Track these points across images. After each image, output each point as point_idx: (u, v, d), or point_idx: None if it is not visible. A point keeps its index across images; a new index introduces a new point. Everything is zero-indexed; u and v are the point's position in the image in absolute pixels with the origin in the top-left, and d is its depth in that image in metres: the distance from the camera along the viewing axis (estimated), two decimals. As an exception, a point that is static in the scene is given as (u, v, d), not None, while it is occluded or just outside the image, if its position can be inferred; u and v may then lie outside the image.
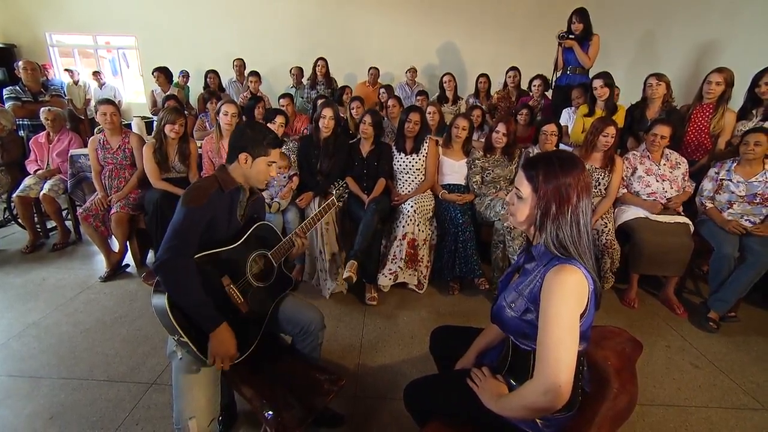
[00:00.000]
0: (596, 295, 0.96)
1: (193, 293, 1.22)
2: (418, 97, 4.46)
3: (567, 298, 0.89)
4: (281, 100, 3.90)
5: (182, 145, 2.88)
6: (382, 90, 4.67)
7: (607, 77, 3.12)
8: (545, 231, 0.96)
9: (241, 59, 5.40)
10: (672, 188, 2.66)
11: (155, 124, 2.93)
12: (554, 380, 0.86)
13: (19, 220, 3.60)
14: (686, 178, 2.69)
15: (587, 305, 0.93)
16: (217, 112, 2.89)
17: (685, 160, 2.72)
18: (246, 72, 5.11)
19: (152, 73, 5.05)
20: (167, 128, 2.76)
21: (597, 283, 0.96)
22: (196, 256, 1.26)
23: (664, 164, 2.68)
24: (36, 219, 3.44)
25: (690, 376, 2.05)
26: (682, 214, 2.70)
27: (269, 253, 1.50)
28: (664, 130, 2.59)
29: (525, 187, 1.00)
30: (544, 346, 0.89)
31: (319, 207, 1.70)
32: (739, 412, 1.82)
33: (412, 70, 5.44)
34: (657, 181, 2.67)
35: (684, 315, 2.58)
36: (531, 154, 2.92)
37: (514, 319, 1.01)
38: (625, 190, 2.75)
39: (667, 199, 2.68)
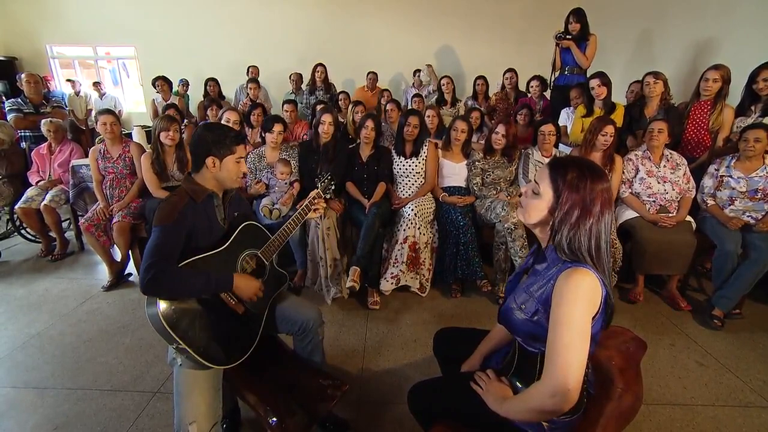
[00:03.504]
0: (607, 308, 0.94)
1: (193, 284, 1.23)
2: (415, 99, 4.47)
3: (579, 301, 0.88)
4: (285, 106, 3.92)
5: (179, 153, 2.89)
6: (385, 94, 4.70)
7: (603, 76, 3.12)
8: (560, 236, 0.93)
9: (256, 66, 5.50)
10: (674, 190, 2.64)
11: (152, 133, 2.94)
12: (563, 383, 0.85)
13: (23, 232, 3.63)
14: (688, 180, 2.66)
15: (599, 309, 0.91)
16: (219, 119, 2.90)
17: (685, 161, 2.70)
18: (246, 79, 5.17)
19: (153, 83, 5.09)
20: (162, 135, 2.77)
21: (611, 297, 0.94)
22: (183, 263, 1.25)
23: (665, 166, 2.66)
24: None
25: (695, 375, 2.03)
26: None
27: (259, 252, 1.49)
28: (660, 124, 2.59)
29: (546, 187, 0.96)
30: (554, 349, 0.88)
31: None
32: (746, 410, 1.81)
33: (418, 73, 5.46)
34: (658, 182, 2.65)
35: (688, 308, 2.58)
36: (531, 155, 2.92)
37: (525, 321, 1.00)
38: (628, 192, 2.73)
39: (668, 201, 2.66)
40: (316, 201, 1.64)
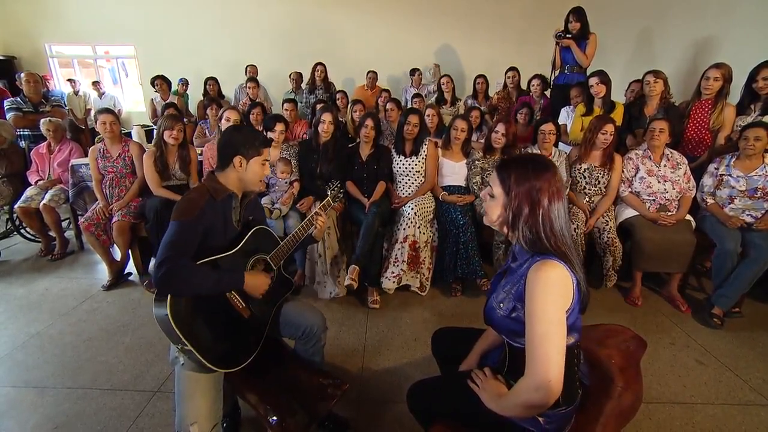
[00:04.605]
0: (581, 295, 0.96)
1: (205, 281, 1.22)
2: (415, 99, 4.45)
3: (550, 293, 0.90)
4: (285, 105, 3.92)
5: (182, 152, 2.89)
6: (383, 95, 4.68)
7: (602, 75, 3.12)
8: (518, 230, 0.98)
9: (254, 65, 5.48)
10: (674, 189, 2.64)
11: (155, 132, 2.94)
12: (544, 376, 0.87)
13: (23, 231, 3.62)
14: (688, 179, 2.66)
15: (573, 299, 0.94)
16: (220, 119, 2.90)
17: (686, 160, 2.70)
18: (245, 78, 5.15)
19: (152, 83, 5.08)
20: (166, 134, 2.77)
21: (582, 283, 0.96)
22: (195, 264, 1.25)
23: (665, 165, 2.66)
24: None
25: (695, 373, 2.03)
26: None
27: (268, 257, 1.50)
28: (661, 124, 2.59)
29: (497, 188, 1.02)
30: (532, 343, 0.90)
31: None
32: (745, 408, 1.81)
33: (416, 72, 5.46)
34: (659, 182, 2.65)
35: (688, 311, 2.57)
36: (530, 154, 2.92)
37: (504, 318, 1.03)
38: (628, 192, 2.73)
39: (668, 200, 2.66)
40: (317, 217, 1.65)
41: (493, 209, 1.03)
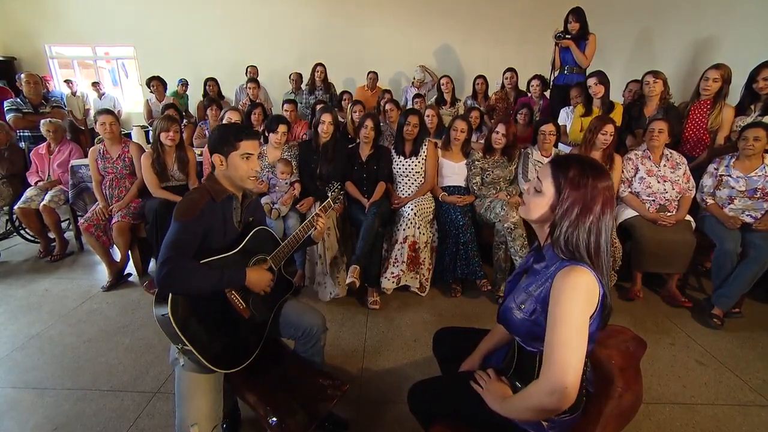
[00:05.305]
0: (604, 309, 0.93)
1: (208, 279, 1.23)
2: (416, 100, 4.45)
3: (577, 299, 0.88)
4: (285, 106, 3.92)
5: (180, 153, 2.89)
6: (386, 96, 4.68)
7: (600, 75, 3.13)
8: (559, 232, 0.93)
9: (255, 66, 5.49)
10: (673, 189, 2.64)
11: (151, 134, 2.93)
12: (561, 381, 0.85)
13: (22, 232, 3.62)
14: (688, 179, 2.66)
15: (596, 308, 0.91)
16: (221, 119, 2.90)
17: (685, 160, 2.70)
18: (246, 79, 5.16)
19: (147, 84, 5.08)
20: (162, 136, 2.77)
21: (608, 296, 0.93)
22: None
23: (665, 165, 2.67)
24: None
25: (695, 374, 2.03)
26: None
27: (269, 258, 1.50)
28: (661, 124, 2.59)
29: (548, 185, 0.96)
30: (551, 347, 0.88)
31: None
32: (745, 409, 1.81)
33: (420, 74, 5.47)
34: (658, 182, 2.66)
35: (688, 303, 2.58)
36: (530, 155, 2.92)
37: (524, 320, 1.00)
38: (627, 192, 2.73)
39: (667, 200, 2.66)
40: (317, 218, 1.65)
41: (537, 206, 0.98)
